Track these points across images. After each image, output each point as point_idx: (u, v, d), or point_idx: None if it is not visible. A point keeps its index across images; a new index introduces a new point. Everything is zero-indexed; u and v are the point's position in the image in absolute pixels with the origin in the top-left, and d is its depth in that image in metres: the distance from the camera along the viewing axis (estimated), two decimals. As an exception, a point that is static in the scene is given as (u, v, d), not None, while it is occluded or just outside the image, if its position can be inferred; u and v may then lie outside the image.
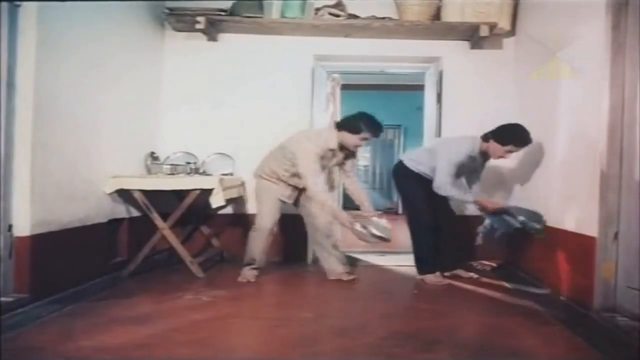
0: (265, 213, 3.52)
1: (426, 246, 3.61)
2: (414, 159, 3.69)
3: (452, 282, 3.56)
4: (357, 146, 3.54)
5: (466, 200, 3.60)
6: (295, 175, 3.45)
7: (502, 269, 3.94)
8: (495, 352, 2.28)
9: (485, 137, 3.51)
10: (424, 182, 3.57)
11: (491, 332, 2.56)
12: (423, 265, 3.63)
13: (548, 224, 3.40)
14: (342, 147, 3.53)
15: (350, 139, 3.45)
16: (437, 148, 3.58)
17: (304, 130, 3.82)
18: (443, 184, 3.44)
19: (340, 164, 3.68)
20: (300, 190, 3.60)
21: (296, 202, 3.67)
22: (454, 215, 3.89)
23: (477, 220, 3.83)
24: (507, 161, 3.89)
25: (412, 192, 3.67)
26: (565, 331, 2.53)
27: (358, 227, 3.29)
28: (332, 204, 3.43)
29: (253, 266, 3.55)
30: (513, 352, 2.30)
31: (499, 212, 3.53)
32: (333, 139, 3.46)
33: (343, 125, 3.49)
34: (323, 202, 3.37)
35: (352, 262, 4.00)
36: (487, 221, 3.67)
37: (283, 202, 3.55)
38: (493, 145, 3.48)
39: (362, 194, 3.75)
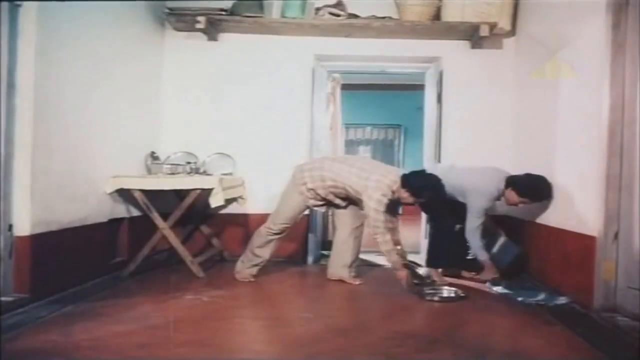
0: (283, 213, 3.49)
1: (441, 247, 3.67)
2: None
3: (454, 281, 3.56)
4: (404, 203, 3.42)
5: (481, 256, 3.50)
6: (337, 195, 3.43)
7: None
8: (496, 352, 2.28)
9: (507, 184, 3.42)
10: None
11: (491, 331, 2.56)
12: (433, 261, 3.71)
13: (548, 224, 3.40)
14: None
15: (405, 196, 3.26)
16: (466, 184, 3.46)
17: (368, 162, 3.65)
18: (474, 230, 3.42)
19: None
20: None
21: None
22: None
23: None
24: (506, 160, 3.90)
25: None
26: (565, 331, 2.53)
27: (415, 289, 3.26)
28: (396, 257, 3.35)
29: (252, 263, 3.54)
30: (513, 352, 2.30)
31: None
32: (394, 189, 3.28)
33: (407, 183, 3.26)
34: (389, 252, 3.31)
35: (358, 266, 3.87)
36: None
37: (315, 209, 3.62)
38: (510, 193, 3.40)
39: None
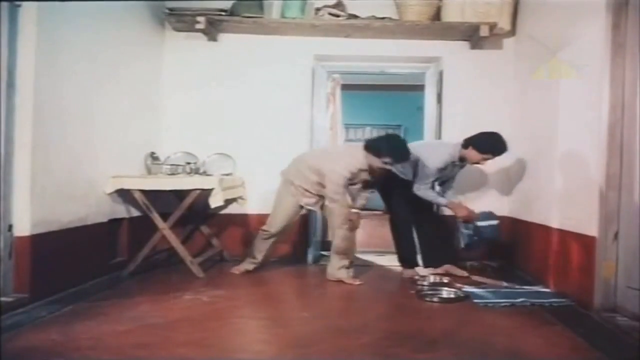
0: (279, 216, 3.61)
1: (405, 242, 3.81)
2: None
3: (445, 278, 3.56)
4: (380, 169, 3.46)
5: (440, 203, 3.77)
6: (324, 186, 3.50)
7: (503, 270, 3.93)
8: (496, 352, 2.28)
9: (465, 144, 3.61)
10: (398, 181, 3.70)
11: (491, 332, 2.56)
12: (403, 261, 3.84)
13: (548, 224, 3.40)
14: (371, 170, 3.51)
15: (374, 161, 3.41)
16: (420, 152, 3.66)
17: (336, 147, 3.89)
18: (422, 189, 3.64)
19: (365, 187, 3.66)
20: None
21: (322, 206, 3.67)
22: (436, 213, 4.04)
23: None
24: (507, 161, 3.90)
25: (387, 191, 3.86)
26: (565, 331, 2.53)
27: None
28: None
29: (253, 260, 3.71)
30: (513, 352, 2.30)
31: (469, 219, 3.64)
32: (362, 159, 3.45)
33: (368, 146, 3.46)
34: (340, 225, 3.48)
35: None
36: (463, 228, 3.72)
37: (308, 209, 3.66)
38: (471, 152, 3.59)
39: None
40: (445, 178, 3.82)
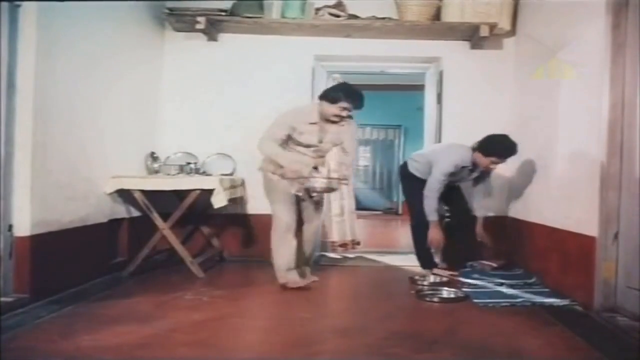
0: (280, 210, 3.32)
1: (423, 244, 3.73)
2: (415, 160, 3.85)
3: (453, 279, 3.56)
4: (336, 117, 3.26)
5: (428, 217, 3.63)
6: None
7: (503, 269, 3.93)
8: (496, 352, 2.28)
9: (474, 148, 3.60)
10: (422, 183, 3.67)
11: (491, 331, 2.56)
12: (424, 262, 3.79)
13: (548, 224, 3.40)
14: (331, 122, 3.29)
15: (329, 109, 3.24)
16: (434, 155, 3.68)
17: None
18: (432, 191, 3.59)
19: (336, 144, 3.38)
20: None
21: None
22: (469, 213, 3.94)
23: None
24: (507, 160, 3.89)
25: (411, 192, 3.82)
26: (565, 331, 2.53)
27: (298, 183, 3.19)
28: (283, 157, 3.20)
29: (289, 269, 3.31)
30: (513, 352, 2.30)
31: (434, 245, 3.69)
32: (313, 111, 3.29)
33: (322, 95, 3.32)
34: (269, 154, 3.23)
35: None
36: None
37: (298, 197, 3.31)
38: (477, 156, 3.57)
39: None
40: (459, 181, 3.79)
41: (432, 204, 3.60)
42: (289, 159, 3.19)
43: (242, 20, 4.11)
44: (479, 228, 3.79)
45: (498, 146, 3.51)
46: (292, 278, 3.27)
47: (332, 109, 3.24)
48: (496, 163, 3.55)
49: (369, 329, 2.55)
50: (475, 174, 3.78)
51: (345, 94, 3.25)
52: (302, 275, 3.39)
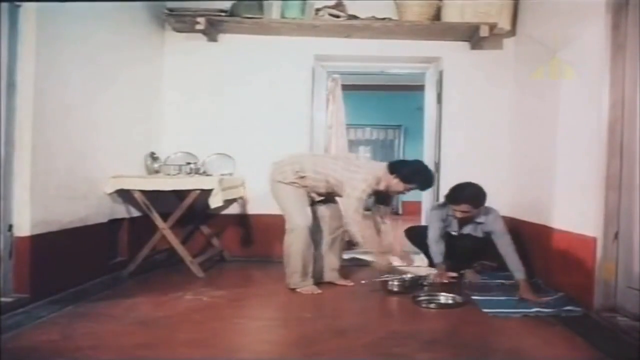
0: (294, 210, 3.22)
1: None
2: None
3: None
4: (399, 193, 3.35)
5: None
6: (313, 190, 3.32)
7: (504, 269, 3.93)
8: (495, 352, 2.28)
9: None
10: None
11: (491, 331, 2.56)
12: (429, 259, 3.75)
13: (548, 224, 3.40)
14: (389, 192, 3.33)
15: (397, 186, 3.22)
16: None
17: (351, 157, 3.51)
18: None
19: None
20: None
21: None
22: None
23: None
24: (506, 160, 3.89)
25: None
26: (565, 331, 2.53)
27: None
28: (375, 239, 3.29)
29: (306, 276, 3.25)
30: (513, 352, 2.30)
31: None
32: (382, 181, 3.22)
33: (397, 170, 3.22)
34: (365, 238, 3.21)
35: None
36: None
37: (310, 198, 3.33)
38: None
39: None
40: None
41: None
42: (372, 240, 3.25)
43: (242, 20, 4.11)
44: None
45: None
46: (307, 288, 3.23)
47: (400, 187, 3.24)
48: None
49: (368, 329, 2.55)
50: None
51: (420, 180, 3.27)
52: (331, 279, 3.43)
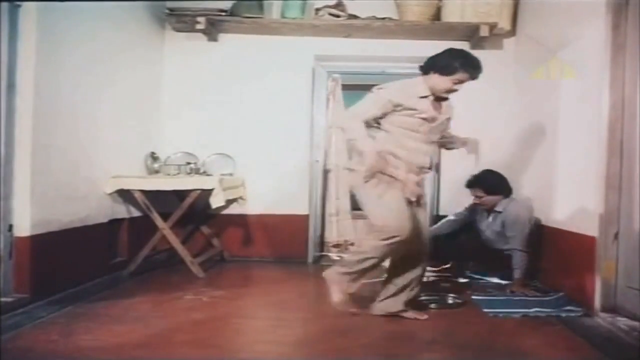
0: (387, 214, 2.49)
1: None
2: None
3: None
4: (449, 92, 2.64)
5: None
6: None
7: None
8: (495, 352, 2.28)
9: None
10: None
11: (491, 331, 2.56)
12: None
13: (548, 224, 3.39)
14: (441, 98, 2.67)
15: (441, 82, 2.58)
16: None
17: None
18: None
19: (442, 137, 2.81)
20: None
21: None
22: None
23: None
24: (507, 160, 3.87)
25: None
26: (565, 331, 2.53)
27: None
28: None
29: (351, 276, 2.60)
30: (513, 352, 2.30)
31: None
32: (421, 84, 2.64)
33: (430, 65, 2.63)
34: (355, 137, 2.52)
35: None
36: None
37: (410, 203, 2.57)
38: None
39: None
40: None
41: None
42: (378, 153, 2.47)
43: (242, 20, 4.11)
44: None
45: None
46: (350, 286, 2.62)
47: (445, 83, 2.58)
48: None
49: (369, 329, 2.55)
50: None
51: (463, 64, 2.56)
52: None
